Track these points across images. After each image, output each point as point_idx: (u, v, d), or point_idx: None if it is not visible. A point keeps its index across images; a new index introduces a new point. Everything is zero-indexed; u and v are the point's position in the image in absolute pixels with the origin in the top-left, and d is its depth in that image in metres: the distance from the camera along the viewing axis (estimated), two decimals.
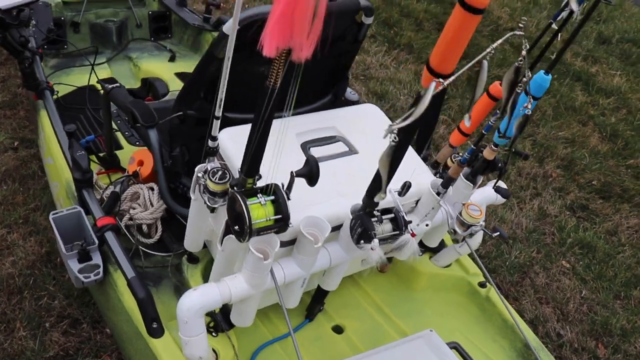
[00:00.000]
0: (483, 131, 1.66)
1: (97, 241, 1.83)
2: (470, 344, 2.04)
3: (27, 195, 2.75)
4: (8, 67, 3.63)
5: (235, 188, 1.45)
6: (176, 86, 3.19)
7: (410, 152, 1.90)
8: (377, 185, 1.48)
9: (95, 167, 2.32)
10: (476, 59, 1.11)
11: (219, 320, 1.77)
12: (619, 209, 3.48)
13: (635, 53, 5.34)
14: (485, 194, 2.05)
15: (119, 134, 2.71)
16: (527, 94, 1.38)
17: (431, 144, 2.72)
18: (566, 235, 3.21)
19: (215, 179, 1.48)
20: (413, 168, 1.75)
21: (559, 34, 1.46)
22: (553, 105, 4.36)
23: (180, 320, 1.48)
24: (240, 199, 1.37)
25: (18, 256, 2.45)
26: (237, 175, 1.52)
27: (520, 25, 1.14)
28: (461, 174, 1.80)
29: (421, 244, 2.11)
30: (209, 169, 1.52)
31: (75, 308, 2.27)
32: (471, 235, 1.79)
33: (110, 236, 1.85)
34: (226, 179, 1.49)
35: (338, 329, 2.06)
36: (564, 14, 1.64)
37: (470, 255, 2.16)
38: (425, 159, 2.09)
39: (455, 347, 1.89)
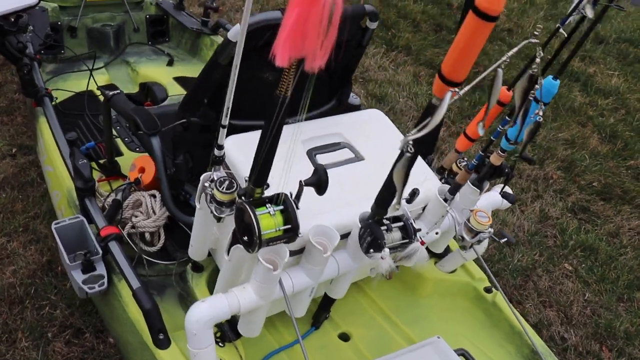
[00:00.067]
0: (492, 137, 1.65)
1: (101, 251, 1.81)
2: (477, 350, 2.03)
3: (26, 202, 2.72)
4: (4, 72, 3.59)
5: (243, 198, 1.43)
6: (175, 91, 3.17)
7: (418, 158, 1.89)
8: (386, 194, 1.46)
9: (95, 174, 2.29)
10: (491, 68, 1.10)
11: (226, 330, 1.75)
12: (620, 211, 3.48)
13: (632, 53, 5.35)
14: (491, 199, 2.04)
15: (118, 140, 2.68)
16: (537, 101, 1.37)
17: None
18: (568, 237, 3.21)
19: (223, 189, 1.46)
20: (424, 176, 1.74)
21: (569, 39, 1.44)
22: (552, 106, 4.36)
23: (188, 332, 1.46)
24: (249, 209, 1.35)
25: (19, 265, 2.42)
26: (243, 184, 1.50)
27: (536, 32, 1.13)
28: (468, 180, 1.79)
29: (426, 249, 2.10)
30: (216, 178, 1.50)
31: (77, 317, 2.24)
32: (479, 242, 1.78)
33: (114, 246, 1.83)
34: (234, 189, 1.46)
35: (344, 337, 2.04)
36: (572, 19, 1.64)
37: (477, 260, 2.15)
38: (429, 164, 2.08)
39: (463, 353, 1.88)
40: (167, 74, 3.34)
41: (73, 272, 1.77)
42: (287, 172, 1.28)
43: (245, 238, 1.39)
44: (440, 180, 1.95)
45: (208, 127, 1.94)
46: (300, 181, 1.41)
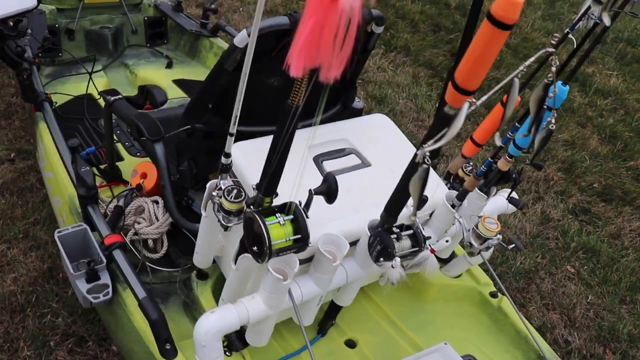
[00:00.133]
0: (502, 143, 1.64)
1: (105, 260, 1.78)
2: (484, 355, 2.02)
3: (26, 208, 2.69)
4: (1, 75, 3.55)
5: (252, 207, 1.41)
6: (174, 94, 3.14)
7: None
8: (396, 202, 1.45)
9: (96, 180, 2.27)
10: (508, 78, 1.08)
11: (233, 340, 1.74)
12: (620, 212, 3.48)
13: (630, 53, 5.36)
14: (497, 204, 2.03)
15: (119, 145, 2.65)
16: (549, 109, 1.36)
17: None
18: (570, 239, 3.21)
19: (231, 198, 1.44)
20: (435, 183, 1.73)
21: (581, 45, 1.43)
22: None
23: (197, 344, 1.44)
24: (259, 219, 1.34)
25: (19, 272, 2.39)
26: (250, 192, 1.48)
27: (552, 42, 1.11)
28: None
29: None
30: (223, 187, 1.47)
31: (80, 325, 2.22)
32: (488, 248, 1.76)
33: (118, 255, 1.81)
34: (242, 198, 1.45)
35: (351, 343, 2.03)
36: (582, 24, 1.63)
37: (483, 266, 2.14)
38: (435, 168, 2.07)
39: (470, 359, 1.87)
40: (166, 77, 3.31)
41: (77, 281, 1.75)
42: (298, 182, 1.27)
43: (255, 248, 1.37)
44: (447, 185, 1.94)
45: (212, 133, 1.92)
46: (310, 190, 1.39)
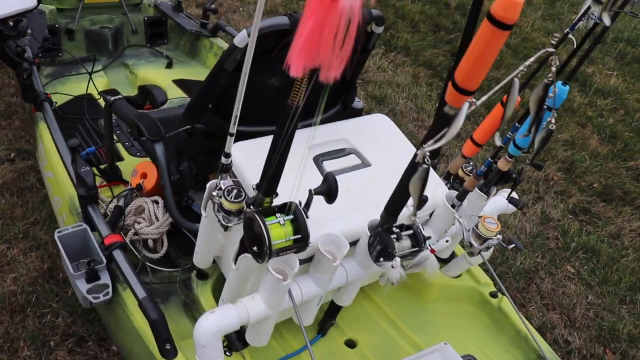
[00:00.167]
0: (502, 143, 1.64)
1: (105, 260, 1.78)
2: (484, 355, 2.02)
3: (25, 208, 2.69)
4: (1, 75, 3.55)
5: (252, 207, 1.41)
6: (174, 94, 3.14)
7: None
8: (396, 202, 1.45)
9: (96, 180, 2.26)
10: (508, 78, 1.08)
11: (233, 340, 1.74)
12: (620, 212, 3.48)
13: (630, 53, 5.36)
14: (497, 204, 2.02)
15: (119, 145, 2.65)
16: (549, 109, 1.36)
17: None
18: (570, 239, 3.21)
19: (231, 198, 1.44)
20: (435, 183, 1.73)
21: (581, 46, 1.43)
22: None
23: (197, 344, 1.44)
24: (259, 219, 1.33)
25: (19, 272, 2.39)
26: (250, 192, 1.48)
27: (552, 42, 1.11)
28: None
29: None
30: (223, 187, 1.47)
31: (80, 325, 2.22)
32: (488, 248, 1.76)
33: (118, 255, 1.81)
34: (242, 198, 1.45)
35: (351, 343, 2.03)
36: (582, 24, 1.63)
37: (483, 266, 2.14)
38: (435, 167, 2.07)
39: (470, 359, 1.87)
40: (166, 77, 3.31)
41: (77, 281, 1.75)
42: (298, 182, 1.26)
43: (255, 248, 1.37)
44: (447, 185, 1.94)
45: (212, 133, 1.92)
46: (310, 190, 1.39)
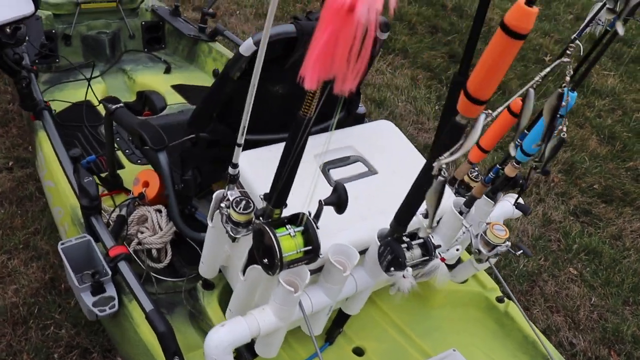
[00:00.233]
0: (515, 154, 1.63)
1: (110, 272, 1.76)
2: None
3: (25, 218, 2.66)
4: None
5: (261, 218, 1.39)
6: (173, 99, 3.12)
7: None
8: (406, 211, 1.44)
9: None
10: (524, 89, 1.07)
11: (242, 351, 1.72)
12: (621, 213, 3.49)
13: (626, 53, 5.38)
14: (503, 209, 2.02)
15: (119, 153, 2.63)
16: (560, 116, 1.35)
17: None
18: (572, 241, 3.21)
19: (240, 209, 1.42)
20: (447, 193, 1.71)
21: (590, 54, 1.42)
22: None
23: (208, 358, 1.41)
24: (269, 231, 1.32)
25: (21, 284, 2.35)
26: (257, 201, 1.46)
27: (568, 52, 1.10)
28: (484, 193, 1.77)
29: None
30: (231, 198, 1.46)
31: (84, 337, 2.19)
32: (496, 255, 1.75)
33: (124, 266, 1.78)
34: (250, 209, 1.43)
35: (359, 351, 2.01)
36: (589, 30, 1.62)
37: (490, 270, 2.13)
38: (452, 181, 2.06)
39: None
40: (164, 82, 3.29)
41: (82, 294, 1.72)
42: (311, 195, 1.25)
43: (266, 260, 1.35)
44: (452, 191, 1.93)
45: (217, 141, 1.90)
46: (320, 201, 1.38)
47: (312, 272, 1.55)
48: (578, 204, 3.50)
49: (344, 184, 1.42)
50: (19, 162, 2.96)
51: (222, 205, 1.45)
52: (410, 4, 5.50)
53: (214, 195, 1.52)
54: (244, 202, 1.43)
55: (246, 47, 1.60)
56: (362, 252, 1.62)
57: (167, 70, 3.41)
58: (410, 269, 1.42)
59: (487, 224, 1.77)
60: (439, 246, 1.55)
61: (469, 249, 1.99)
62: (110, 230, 1.98)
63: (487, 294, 2.18)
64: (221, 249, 1.70)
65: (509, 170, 1.74)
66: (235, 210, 1.42)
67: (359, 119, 2.33)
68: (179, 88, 3.25)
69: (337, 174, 1.76)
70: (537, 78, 1.06)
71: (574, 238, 3.23)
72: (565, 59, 1.10)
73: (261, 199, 1.47)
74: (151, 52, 3.56)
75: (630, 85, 4.86)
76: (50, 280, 2.39)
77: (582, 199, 3.55)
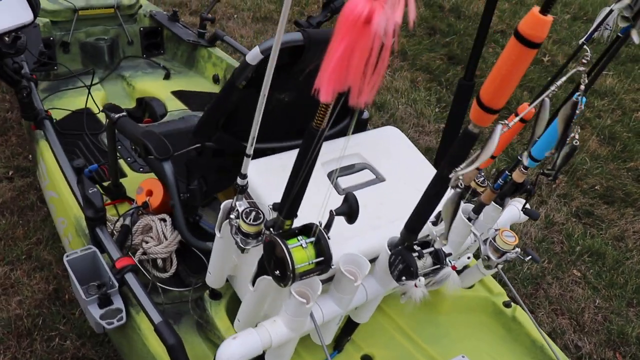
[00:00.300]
0: (518, 157, 1.62)
1: (117, 284, 1.74)
2: None
3: (27, 228, 2.63)
4: None
5: (271, 230, 1.38)
6: (174, 106, 3.11)
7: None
8: (417, 219, 1.43)
9: None
10: (540, 99, 1.06)
11: None
12: (623, 214, 3.49)
13: (624, 52, 5.39)
14: (510, 214, 2.01)
15: (121, 161, 2.61)
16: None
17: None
18: (575, 243, 3.21)
19: (250, 220, 1.41)
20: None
21: (601, 57, 1.42)
22: (550, 109, 4.37)
23: None
24: (281, 243, 1.30)
25: (24, 295, 2.33)
26: (267, 212, 1.45)
27: (584, 61, 1.09)
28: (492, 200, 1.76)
29: None
30: (240, 209, 1.44)
31: (89, 348, 2.17)
32: (505, 261, 1.75)
33: (131, 278, 1.76)
34: (261, 220, 1.41)
35: (367, 359, 2.00)
36: (598, 34, 1.62)
37: (496, 275, 2.13)
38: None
39: None
40: (164, 88, 3.27)
41: (89, 307, 1.70)
42: (324, 207, 1.24)
43: (277, 272, 1.34)
44: None
45: (222, 151, 1.89)
46: (331, 211, 1.37)
47: (323, 281, 1.54)
48: (580, 205, 3.50)
49: (353, 192, 1.41)
50: (19, 172, 2.94)
51: (232, 216, 1.44)
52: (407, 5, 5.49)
53: (222, 206, 1.51)
54: (253, 213, 1.42)
55: (253, 55, 1.59)
56: (372, 261, 1.61)
57: (167, 76, 3.39)
58: (422, 278, 1.41)
59: (496, 230, 1.76)
60: (450, 254, 1.54)
61: (475, 254, 1.98)
62: (114, 240, 1.97)
63: (494, 298, 2.17)
64: (229, 259, 1.69)
65: (517, 176, 1.74)
66: (245, 222, 1.41)
67: (363, 124, 2.33)
68: (179, 94, 3.23)
69: (344, 182, 1.75)
70: (552, 88, 1.05)
71: (576, 240, 3.23)
72: (581, 68, 1.09)
73: (270, 209, 1.45)
74: (150, 58, 3.54)
75: (628, 85, 4.88)
76: (54, 291, 2.37)
77: (584, 200, 3.55)
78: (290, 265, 1.29)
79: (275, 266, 1.34)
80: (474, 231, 1.77)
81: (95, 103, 2.88)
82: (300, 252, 1.33)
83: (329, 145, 1.87)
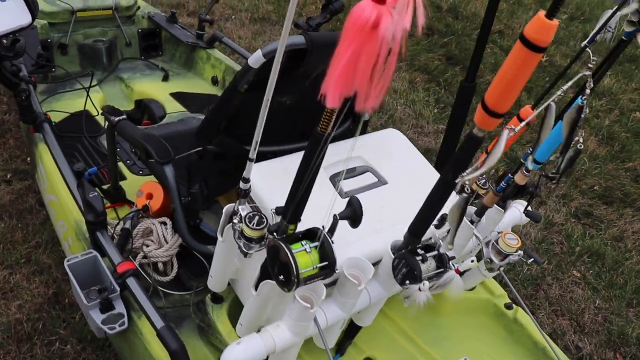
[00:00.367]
0: (522, 159, 1.62)
1: (119, 289, 1.73)
2: None
3: (26, 231, 2.62)
4: None
5: (275, 234, 1.37)
6: (172, 107, 3.09)
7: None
8: (421, 223, 1.42)
9: None
10: (546, 104, 1.06)
11: None
12: (622, 214, 3.50)
13: (622, 52, 5.40)
14: (512, 216, 2.01)
15: (120, 164, 2.59)
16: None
17: None
18: (574, 243, 3.21)
19: (253, 225, 1.40)
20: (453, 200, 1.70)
21: (605, 60, 1.42)
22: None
23: None
24: (285, 248, 1.30)
25: (24, 299, 2.32)
26: (269, 215, 1.44)
27: (590, 65, 1.09)
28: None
29: None
30: (243, 213, 1.44)
31: (90, 353, 2.16)
32: (508, 264, 1.75)
33: (132, 283, 1.75)
34: (264, 225, 1.41)
35: None
36: (600, 37, 1.62)
37: (497, 277, 2.12)
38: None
39: None
40: (163, 90, 3.26)
41: (91, 312, 1.69)
42: (329, 212, 1.23)
43: (282, 277, 1.33)
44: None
45: (224, 154, 1.88)
46: (335, 215, 1.36)
47: (326, 286, 1.53)
48: (579, 205, 3.51)
49: (355, 195, 1.40)
50: (18, 174, 2.92)
51: (235, 220, 1.43)
52: None
53: (224, 210, 1.50)
54: (257, 217, 1.41)
55: (255, 59, 1.58)
56: (375, 264, 1.61)
57: (165, 78, 3.38)
58: (427, 282, 1.40)
59: (499, 232, 1.76)
60: (453, 257, 1.54)
61: (476, 255, 1.98)
62: (115, 244, 1.96)
63: (495, 300, 2.17)
64: (231, 263, 1.68)
65: (519, 179, 1.73)
66: (248, 226, 1.40)
67: (362, 126, 2.32)
68: (177, 96, 3.22)
69: (346, 185, 1.75)
70: (558, 92, 1.05)
71: (576, 240, 3.23)
72: (587, 72, 1.09)
73: (272, 213, 1.45)
74: (148, 59, 3.53)
75: (626, 85, 4.89)
76: (54, 295, 2.35)
77: (582, 200, 3.55)
78: (295, 270, 1.29)
79: (279, 271, 1.34)
80: (477, 234, 1.77)
81: (94, 105, 2.87)
82: (305, 257, 1.32)
83: (331, 148, 1.86)
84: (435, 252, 1.50)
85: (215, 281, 1.75)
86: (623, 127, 4.33)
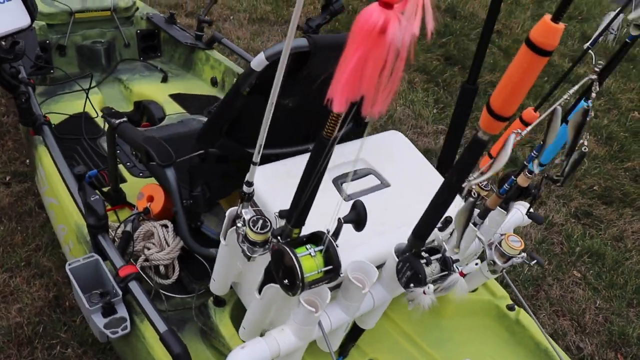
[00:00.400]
0: (525, 162, 1.62)
1: (121, 293, 1.72)
2: None
3: (25, 234, 2.60)
4: None
5: (279, 238, 1.37)
6: (172, 109, 3.08)
7: (440, 180, 1.86)
8: (425, 225, 1.42)
9: None
10: (552, 108, 1.06)
11: None
12: (622, 214, 3.50)
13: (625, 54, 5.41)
14: (514, 217, 2.01)
15: (120, 166, 2.58)
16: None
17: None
18: (574, 243, 3.21)
19: (257, 229, 1.40)
20: (456, 202, 1.70)
21: (609, 62, 1.42)
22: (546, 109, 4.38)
23: None
24: (290, 252, 1.29)
25: (24, 303, 2.31)
26: (273, 219, 1.44)
27: (596, 69, 1.09)
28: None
29: None
30: (247, 217, 1.43)
31: (91, 356, 2.15)
32: (511, 266, 1.75)
33: (135, 287, 1.75)
34: (268, 228, 1.40)
35: None
36: (603, 39, 1.62)
37: (499, 278, 2.12)
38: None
39: None
40: (162, 91, 3.25)
41: (93, 316, 1.69)
42: (335, 217, 1.23)
43: (286, 281, 1.33)
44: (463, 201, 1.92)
45: (226, 157, 1.87)
46: (339, 219, 1.36)
47: (330, 289, 1.53)
48: (579, 205, 3.51)
49: (359, 199, 1.40)
50: (17, 177, 2.91)
51: (238, 224, 1.43)
52: None
53: (227, 213, 1.49)
54: (261, 221, 1.41)
55: (257, 62, 1.58)
56: (378, 267, 1.60)
57: (164, 79, 3.37)
58: (431, 285, 1.40)
59: (502, 234, 1.76)
60: (457, 260, 1.54)
61: (479, 257, 1.98)
62: (116, 247, 1.95)
63: (497, 302, 2.17)
64: (234, 267, 1.68)
65: (522, 180, 1.73)
66: (252, 230, 1.40)
67: (363, 127, 2.31)
68: (177, 97, 3.21)
69: (350, 188, 1.74)
70: (565, 96, 1.05)
71: (576, 240, 3.23)
72: (593, 76, 1.09)
73: (276, 216, 1.44)
74: (147, 60, 3.52)
75: (624, 85, 4.89)
76: (55, 298, 2.34)
77: (582, 200, 3.56)
78: (300, 274, 1.28)
79: (283, 275, 1.33)
80: (480, 236, 1.77)
81: (93, 107, 2.86)
82: (309, 261, 1.31)
83: (335, 151, 1.87)
84: (439, 255, 1.50)
85: (218, 284, 1.74)
86: (622, 127, 4.34)
